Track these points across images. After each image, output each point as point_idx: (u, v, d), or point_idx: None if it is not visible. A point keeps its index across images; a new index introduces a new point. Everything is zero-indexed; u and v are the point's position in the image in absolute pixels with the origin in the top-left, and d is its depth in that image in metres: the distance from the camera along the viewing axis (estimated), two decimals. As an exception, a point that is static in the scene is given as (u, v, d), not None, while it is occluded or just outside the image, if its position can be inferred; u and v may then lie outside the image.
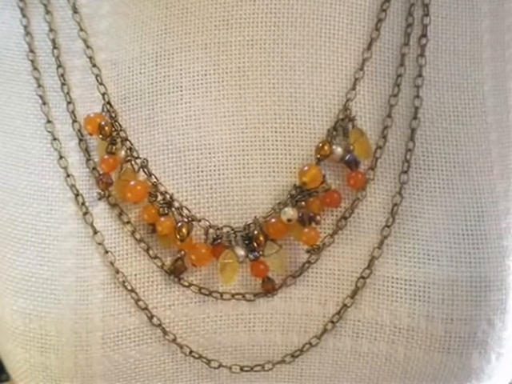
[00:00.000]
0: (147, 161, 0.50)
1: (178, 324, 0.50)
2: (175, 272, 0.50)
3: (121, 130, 0.51)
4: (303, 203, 0.50)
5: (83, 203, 0.51)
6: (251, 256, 0.49)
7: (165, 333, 0.50)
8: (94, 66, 0.51)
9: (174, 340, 0.50)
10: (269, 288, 0.50)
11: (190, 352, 0.50)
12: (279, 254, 0.50)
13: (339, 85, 0.50)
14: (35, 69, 0.52)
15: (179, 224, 0.49)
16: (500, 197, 0.51)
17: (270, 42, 0.50)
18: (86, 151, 0.51)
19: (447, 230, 0.50)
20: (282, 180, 0.50)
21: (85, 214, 0.50)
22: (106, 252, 0.50)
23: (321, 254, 0.50)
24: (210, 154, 0.50)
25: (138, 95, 0.51)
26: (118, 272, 0.50)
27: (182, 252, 0.50)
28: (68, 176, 0.51)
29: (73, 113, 0.51)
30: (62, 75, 0.52)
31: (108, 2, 0.52)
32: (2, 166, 0.52)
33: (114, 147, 0.50)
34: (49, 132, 0.52)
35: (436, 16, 0.52)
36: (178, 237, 0.49)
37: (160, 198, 0.50)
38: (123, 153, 0.50)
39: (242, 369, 0.51)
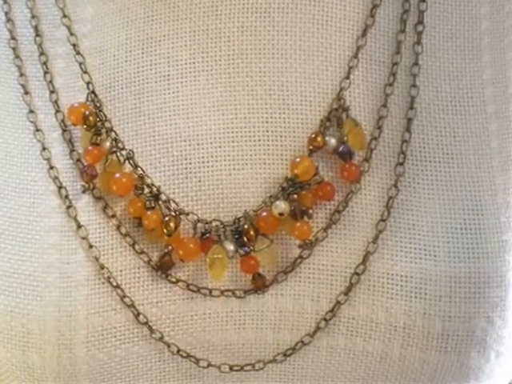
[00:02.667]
0: (133, 152, 0.49)
1: (165, 322, 0.49)
2: (162, 268, 0.49)
3: (106, 120, 0.50)
4: (295, 196, 0.49)
5: (67, 196, 0.50)
6: (241, 251, 0.49)
7: (151, 331, 0.49)
8: (78, 53, 0.50)
9: (161, 338, 0.49)
10: (259, 284, 0.49)
11: (178, 351, 0.49)
12: (270, 249, 0.49)
13: (333, 73, 0.50)
14: (17, 57, 0.52)
15: (166, 218, 0.49)
16: (499, 190, 0.50)
17: (260, 29, 0.49)
18: (70, 142, 0.50)
19: (445, 224, 0.49)
20: (273, 172, 0.49)
21: (68, 207, 0.50)
22: (91, 247, 0.49)
23: (313, 249, 0.49)
24: (198, 144, 0.49)
25: (124, 84, 0.50)
26: (102, 268, 0.49)
27: (170, 247, 0.49)
28: (51, 168, 0.50)
29: (56, 102, 0.51)
30: (45, 63, 0.51)
31: (93, -12, 0.52)
32: (-18, 157, 0.51)
33: (98, 138, 0.50)
34: (31, 122, 0.51)
35: (433, 2, 0.51)
36: (166, 231, 0.48)
37: (146, 190, 0.49)
38: (108, 144, 0.50)
39: (231, 368, 0.50)
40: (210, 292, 0.49)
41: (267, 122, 0.49)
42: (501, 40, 0.51)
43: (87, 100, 0.50)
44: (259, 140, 0.49)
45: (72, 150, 0.50)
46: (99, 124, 0.49)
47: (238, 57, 0.49)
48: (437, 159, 0.50)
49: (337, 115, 0.49)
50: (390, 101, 0.50)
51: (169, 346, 0.49)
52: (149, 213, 0.49)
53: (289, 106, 0.49)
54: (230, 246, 0.49)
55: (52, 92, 0.51)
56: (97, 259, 0.49)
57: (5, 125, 0.51)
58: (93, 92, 0.50)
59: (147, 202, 0.49)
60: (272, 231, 0.49)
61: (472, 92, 0.51)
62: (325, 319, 0.49)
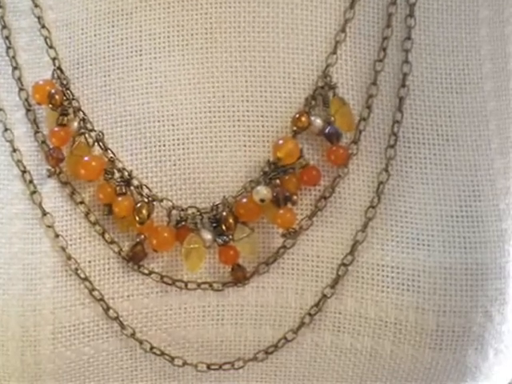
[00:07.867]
0: (103, 133, 0.48)
1: (137, 317, 0.48)
2: (134, 258, 0.48)
3: (73, 99, 0.49)
4: (278, 181, 0.48)
5: (31, 181, 0.49)
6: (219, 240, 0.48)
7: (122, 327, 0.48)
8: (43, 27, 0.49)
9: (133, 335, 0.48)
10: (239, 276, 0.48)
11: (151, 348, 0.49)
12: (251, 238, 0.48)
13: (318, 48, 0.49)
14: (-24, 31, 0.51)
15: (139, 204, 0.48)
16: (498, 174, 0.49)
17: (240, 0, 0.48)
18: (35, 123, 0.49)
19: (439, 212, 0.48)
20: (253, 155, 0.48)
21: (33, 193, 0.49)
22: (57, 236, 0.48)
23: (298, 238, 0.48)
24: (172, 125, 0.48)
25: (93, 60, 0.49)
26: (69, 258, 0.48)
27: (142, 236, 0.48)
28: (14, 151, 0.49)
29: (19, 80, 0.50)
30: (7, 37, 0.50)
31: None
32: None
33: (65, 118, 0.49)
34: None
35: (427, -29, 0.50)
36: (138, 219, 0.47)
37: (117, 175, 0.48)
38: (76, 124, 0.49)
39: (209, 367, 0.49)
40: (186, 285, 0.48)
41: (247, 101, 0.48)
42: (500, 12, 0.50)
43: (53, 77, 0.49)
44: (239, 120, 0.48)
45: (37, 132, 0.49)
46: (66, 103, 0.49)
47: (216, 30, 0.48)
48: (431, 141, 0.49)
49: (323, 93, 0.48)
50: (381, 78, 0.49)
51: (141, 342, 0.48)
52: (120, 199, 0.48)
53: (271, 83, 0.48)
54: (208, 235, 0.48)
55: (15, 68, 0.50)
56: (63, 249, 0.48)
57: (-37, 104, 0.51)
58: (59, 68, 0.49)
59: (118, 188, 0.48)
60: (253, 219, 0.48)
61: (469, 68, 0.50)
62: (309, 314, 0.48)
